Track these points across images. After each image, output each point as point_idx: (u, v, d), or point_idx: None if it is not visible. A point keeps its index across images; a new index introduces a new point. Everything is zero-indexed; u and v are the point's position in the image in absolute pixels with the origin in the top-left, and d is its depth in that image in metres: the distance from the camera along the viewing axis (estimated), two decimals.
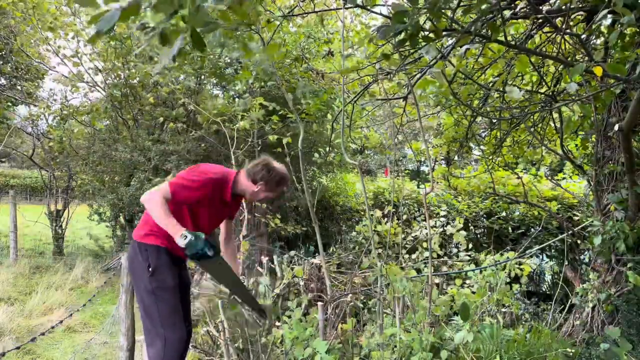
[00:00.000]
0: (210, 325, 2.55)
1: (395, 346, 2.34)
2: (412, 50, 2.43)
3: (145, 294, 2.19)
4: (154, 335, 2.19)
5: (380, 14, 1.37)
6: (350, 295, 3.22)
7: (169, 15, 1.00)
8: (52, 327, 2.92)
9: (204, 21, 1.01)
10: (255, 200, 2.27)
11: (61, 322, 2.93)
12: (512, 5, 2.18)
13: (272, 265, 3.56)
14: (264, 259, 3.45)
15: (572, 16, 2.42)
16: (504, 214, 5.67)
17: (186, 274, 2.52)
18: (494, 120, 4.05)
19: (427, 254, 4.08)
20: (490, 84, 3.28)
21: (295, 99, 4.94)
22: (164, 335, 2.18)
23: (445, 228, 4.57)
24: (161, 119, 6.14)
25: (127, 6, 0.97)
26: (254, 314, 2.62)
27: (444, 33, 1.42)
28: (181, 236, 1.99)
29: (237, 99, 5.88)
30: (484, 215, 5.72)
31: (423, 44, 1.43)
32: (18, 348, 2.52)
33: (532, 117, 3.80)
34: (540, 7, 2.14)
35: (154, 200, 2.04)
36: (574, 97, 2.52)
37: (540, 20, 2.55)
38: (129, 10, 0.97)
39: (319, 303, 2.56)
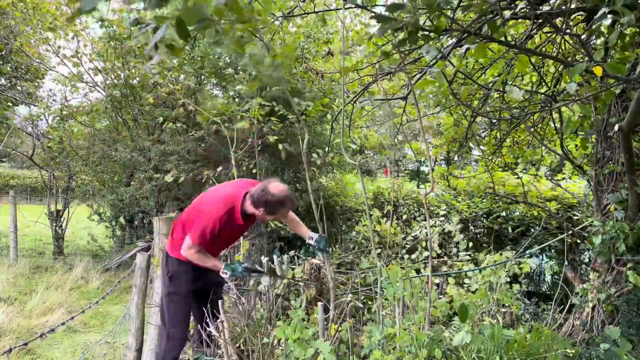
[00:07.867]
0: (211, 325, 2.56)
1: (395, 347, 2.34)
2: (412, 50, 2.43)
3: (163, 296, 2.68)
4: (163, 330, 2.68)
5: (380, 14, 1.36)
6: (350, 295, 3.22)
7: (157, 3, 0.98)
8: (63, 323, 3.00)
9: (199, 17, 0.99)
10: (265, 221, 2.61)
11: (63, 323, 2.95)
12: (512, 5, 2.17)
13: (272, 266, 3.56)
14: (264, 259, 3.45)
15: (572, 16, 2.42)
16: (503, 213, 5.67)
17: (215, 275, 2.75)
18: (494, 121, 4.05)
19: (427, 253, 4.08)
20: (490, 84, 3.28)
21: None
22: (168, 332, 2.62)
23: (444, 227, 4.57)
24: (161, 119, 6.14)
25: None
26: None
27: (443, 32, 1.42)
28: (222, 272, 2.52)
29: (236, 99, 5.86)
30: (484, 215, 5.71)
31: (422, 43, 1.43)
32: (26, 344, 2.62)
33: (532, 117, 3.80)
34: (540, 7, 2.14)
35: (191, 255, 2.52)
36: (574, 97, 2.52)
37: (540, 20, 2.54)
38: None
39: (319, 303, 2.56)
